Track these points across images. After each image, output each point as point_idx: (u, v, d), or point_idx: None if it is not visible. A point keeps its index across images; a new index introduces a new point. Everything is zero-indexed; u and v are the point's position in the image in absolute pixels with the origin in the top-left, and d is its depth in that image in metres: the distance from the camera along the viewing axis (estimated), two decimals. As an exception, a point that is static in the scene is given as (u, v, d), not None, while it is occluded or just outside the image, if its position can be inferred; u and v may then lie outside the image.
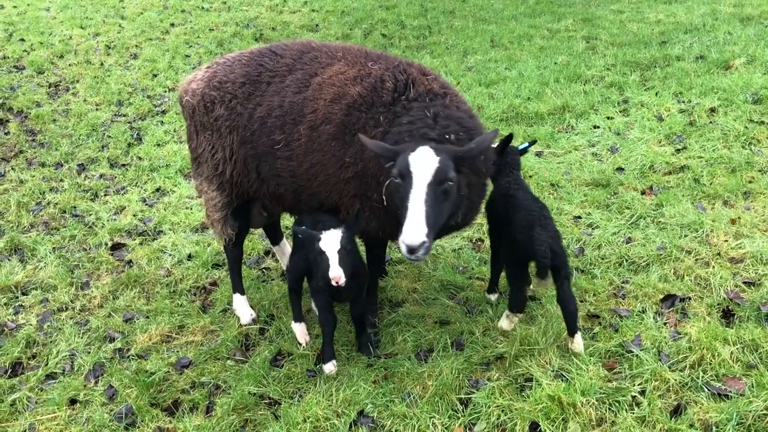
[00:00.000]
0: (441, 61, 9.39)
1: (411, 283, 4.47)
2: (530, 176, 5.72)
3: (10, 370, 4.11)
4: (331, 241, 3.40)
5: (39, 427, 3.63)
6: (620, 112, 6.93)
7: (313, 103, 3.72)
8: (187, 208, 5.91)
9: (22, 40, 10.85)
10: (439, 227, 3.23)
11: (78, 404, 3.77)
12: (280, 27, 11.28)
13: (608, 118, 6.80)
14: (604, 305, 4.00)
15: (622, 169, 5.66)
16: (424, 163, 3.10)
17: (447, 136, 3.30)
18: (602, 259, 4.47)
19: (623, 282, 4.19)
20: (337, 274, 3.32)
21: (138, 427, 3.55)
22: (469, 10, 11.98)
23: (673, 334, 3.63)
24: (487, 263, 4.60)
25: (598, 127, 6.62)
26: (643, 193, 5.24)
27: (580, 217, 5.02)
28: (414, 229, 3.04)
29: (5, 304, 4.76)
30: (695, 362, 3.39)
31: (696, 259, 4.30)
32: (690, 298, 3.93)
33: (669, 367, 3.38)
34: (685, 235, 4.56)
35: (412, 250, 3.05)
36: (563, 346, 3.63)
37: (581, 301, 4.04)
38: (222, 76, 4.09)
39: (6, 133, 7.64)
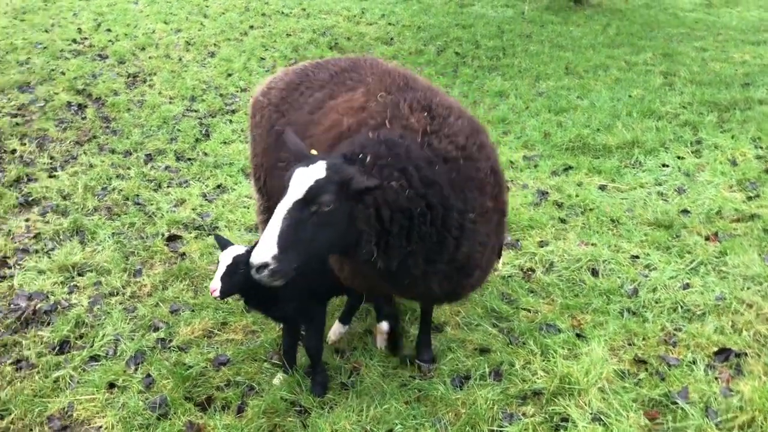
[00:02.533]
0: (512, 84, 9.29)
1: (455, 306, 4.40)
2: (591, 209, 5.57)
3: (57, 348, 4.23)
4: (228, 255, 3.27)
5: (77, 406, 3.72)
6: (692, 152, 6.70)
7: (314, 127, 3.54)
8: (244, 206, 5.99)
9: (109, 30, 11.29)
10: (305, 256, 2.81)
11: (116, 389, 3.85)
12: (355, 37, 11.39)
13: (679, 157, 6.58)
14: (652, 351, 3.85)
15: (688, 212, 5.45)
16: (302, 177, 2.77)
17: (362, 159, 2.87)
18: (656, 302, 4.30)
19: (676, 329, 4.02)
20: (213, 286, 3.21)
21: (170, 419, 3.59)
22: (547, 35, 11.84)
23: (724, 391, 3.45)
24: (535, 294, 4.50)
25: (667, 166, 6.41)
26: (707, 238, 5.03)
27: (637, 257, 4.85)
28: (260, 246, 2.74)
29: (61, 282, 4.91)
30: (745, 423, 3.22)
31: (757, 314, 4.09)
32: (746, 354, 3.73)
33: (716, 425, 3.22)
34: (748, 288, 4.34)
35: (256, 269, 2.76)
36: (605, 388, 3.50)
37: (629, 344, 3.90)
38: (274, 82, 4.16)
39: (83, 118, 7.94)
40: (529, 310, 4.32)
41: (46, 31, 11.10)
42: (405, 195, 2.84)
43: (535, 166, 6.63)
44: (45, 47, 10.20)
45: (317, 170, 2.76)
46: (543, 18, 13.02)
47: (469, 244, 3.09)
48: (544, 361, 3.80)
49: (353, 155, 2.86)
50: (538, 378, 3.65)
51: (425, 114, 3.15)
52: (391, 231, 2.88)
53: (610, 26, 12.36)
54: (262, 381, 3.85)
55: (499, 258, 4.68)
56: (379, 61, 3.84)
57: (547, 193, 5.96)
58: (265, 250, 2.71)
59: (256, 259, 2.73)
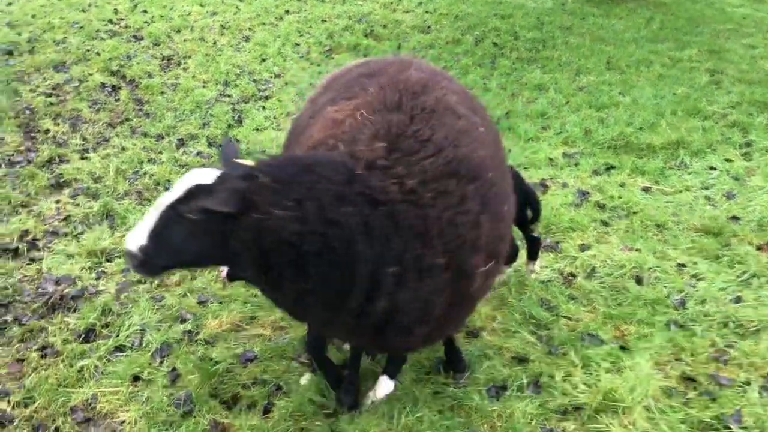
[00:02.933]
0: (552, 78, 9.02)
1: (491, 311, 4.23)
2: (634, 212, 5.34)
3: (83, 336, 4.15)
4: None
5: (101, 398, 3.64)
6: (742, 155, 6.41)
7: (303, 134, 3.25)
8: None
9: (145, 11, 11.22)
10: (174, 258, 2.68)
11: (140, 382, 3.76)
12: (391, 25, 11.18)
13: (727, 160, 6.30)
14: (702, 368, 3.64)
15: (738, 219, 5.19)
16: (190, 178, 2.62)
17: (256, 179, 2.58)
18: (705, 316, 4.08)
19: (727, 346, 3.81)
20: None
21: (194, 417, 3.49)
22: (588, 28, 11.50)
23: (779, 416, 3.24)
24: (576, 301, 4.30)
25: (715, 169, 6.13)
26: (759, 248, 4.77)
27: (684, 266, 4.62)
28: (131, 234, 2.62)
29: (89, 268, 4.85)
30: (803, 453, 3.01)
31: (815, 333, 3.86)
32: (804, 377, 3.52)
33: (771, 454, 3.02)
34: (805, 304, 4.11)
35: (126, 256, 2.66)
36: (651, 407, 3.31)
37: (676, 360, 3.69)
38: (323, 79, 3.89)
39: (116, 100, 7.88)
40: (569, 318, 4.13)
41: (83, 11, 11.06)
42: (292, 228, 2.50)
43: (576, 165, 6.40)
44: (81, 27, 10.16)
45: (206, 176, 2.59)
46: (584, 10, 12.66)
47: (391, 300, 2.65)
48: (585, 373, 3.62)
49: (253, 172, 2.59)
50: (579, 392, 3.47)
51: (385, 145, 2.73)
52: (273, 261, 2.57)
53: (653, 20, 11.96)
54: (290, 380, 3.73)
55: (535, 260, 4.51)
56: (415, 67, 3.21)
57: (588, 193, 5.73)
58: (135, 239, 2.60)
59: (126, 243, 2.61)
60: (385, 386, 3.52)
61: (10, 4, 11.25)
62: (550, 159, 6.51)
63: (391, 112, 2.85)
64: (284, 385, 3.71)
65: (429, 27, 11.22)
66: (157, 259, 2.64)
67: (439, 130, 2.79)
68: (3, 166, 6.25)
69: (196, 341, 4.09)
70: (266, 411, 3.54)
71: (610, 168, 6.29)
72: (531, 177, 6.00)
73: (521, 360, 3.78)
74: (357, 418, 3.41)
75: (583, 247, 4.90)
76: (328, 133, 2.93)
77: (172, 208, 2.57)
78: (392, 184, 2.63)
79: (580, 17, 12.13)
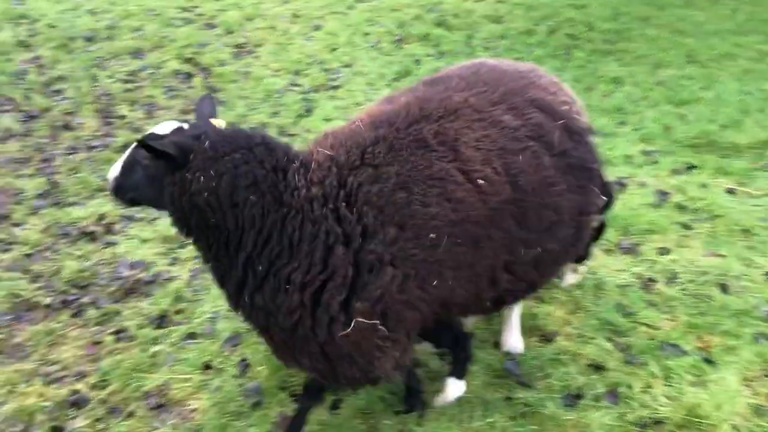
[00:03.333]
0: (628, 71, 8.70)
1: (566, 315, 4.09)
2: (718, 216, 5.08)
3: (157, 321, 4.22)
4: None
5: (173, 385, 3.69)
6: (837, 157, 6.03)
7: None
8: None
9: (218, -1, 11.37)
10: (134, 193, 2.87)
11: (211, 370, 3.79)
12: (463, 14, 11.00)
13: (821, 162, 5.94)
14: (795, 388, 3.42)
15: (833, 226, 4.88)
16: (158, 126, 2.85)
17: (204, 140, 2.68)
18: (797, 330, 3.84)
19: (822, 363, 3.57)
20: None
21: (264, 408, 3.50)
22: (667, 19, 11.04)
23: None
24: (656, 308, 4.12)
25: (807, 172, 5.79)
26: None
27: (774, 275, 4.37)
28: (115, 163, 2.92)
29: (163, 253, 4.92)
30: None
31: None
32: None
33: None
34: None
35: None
36: (739, 426, 3.13)
37: (766, 376, 3.48)
38: None
39: (190, 87, 8.01)
40: (649, 326, 3.95)
41: (159, -2, 11.29)
42: (205, 198, 2.60)
43: (655, 163, 6.14)
44: (157, 14, 10.37)
45: (167, 127, 2.80)
46: (663, 0, 12.17)
47: (250, 300, 2.68)
48: (666, 386, 3.46)
49: (201, 134, 2.71)
50: (659, 405, 3.31)
51: (355, 152, 2.69)
52: (190, 222, 2.71)
53: (738, 11, 11.39)
54: (359, 377, 3.69)
55: (584, 261, 4.23)
56: (464, 88, 2.98)
57: (668, 193, 5.49)
58: (113, 170, 2.90)
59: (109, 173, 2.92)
60: (454, 388, 3.44)
61: (90, -9, 11.58)
62: (628, 156, 6.27)
63: (387, 127, 2.78)
64: (353, 381, 3.67)
65: (501, 17, 10.98)
66: (123, 191, 2.91)
67: (396, 164, 2.65)
68: (82, 150, 6.43)
69: (266, 332, 4.09)
70: (335, 407, 3.51)
71: (691, 167, 6.01)
72: (608, 175, 5.79)
73: (597, 368, 3.64)
74: (426, 420, 3.35)
75: (663, 251, 4.69)
76: (336, 131, 2.96)
77: (137, 151, 2.81)
78: (316, 188, 2.63)
79: (659, 8, 11.66)
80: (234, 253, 2.66)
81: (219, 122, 2.89)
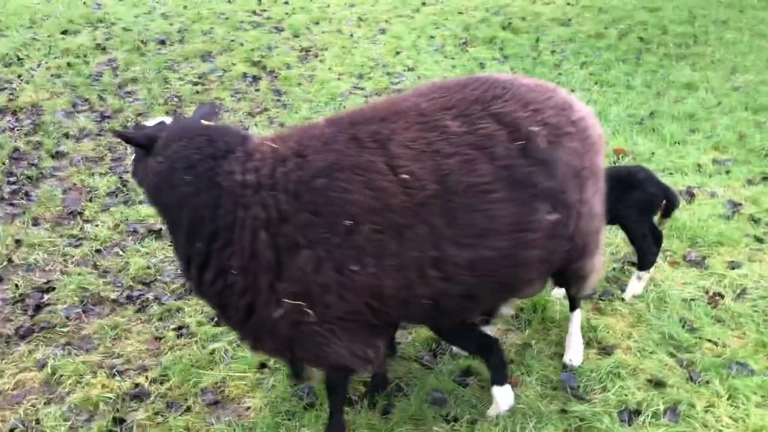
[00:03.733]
0: (703, 76, 8.40)
1: (627, 327, 3.97)
2: (794, 229, 4.84)
3: (216, 320, 4.32)
4: None
5: (229, 382, 3.76)
6: None
7: None
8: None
9: (287, 2, 11.58)
10: (136, 177, 3.32)
11: (266, 369, 3.85)
12: (530, 17, 10.85)
13: None
14: None
15: None
16: (147, 122, 3.37)
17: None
18: None
19: None
20: None
21: (316, 409, 3.53)
22: (746, 22, 10.61)
23: None
24: (723, 324, 3.95)
25: None
26: None
27: None
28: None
29: (224, 252, 5.03)
30: None
31: None
32: None
33: None
34: None
35: None
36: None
37: (841, 401, 3.29)
38: None
39: (256, 90, 8.18)
40: (714, 343, 3.79)
41: (229, 2, 11.58)
42: (155, 179, 2.95)
43: (727, 172, 5.90)
44: (227, 18, 10.65)
45: (153, 121, 3.26)
46: (743, 2, 11.69)
47: (198, 280, 2.93)
48: (731, 406, 3.31)
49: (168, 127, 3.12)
50: (723, 426, 3.17)
51: (294, 145, 2.86)
52: (154, 203, 3.09)
53: (825, 14, 10.86)
54: (410, 382, 3.69)
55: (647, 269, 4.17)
56: (425, 96, 3.04)
57: (740, 204, 5.26)
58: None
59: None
60: (501, 396, 3.38)
61: (165, -4, 11.98)
62: (698, 165, 6.04)
63: (331, 127, 2.93)
64: (405, 386, 3.66)
65: (570, 19, 10.79)
66: (134, 175, 3.38)
67: (323, 155, 2.79)
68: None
69: (321, 333, 4.13)
70: (386, 411, 3.51)
71: (766, 178, 5.74)
72: (676, 183, 5.60)
73: (657, 384, 3.51)
74: (477, 429, 3.31)
75: (733, 265, 4.50)
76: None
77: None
78: (239, 176, 2.79)
79: (739, 10, 11.23)
80: (178, 232, 2.94)
81: (209, 123, 3.19)
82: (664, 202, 4.08)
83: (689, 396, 3.38)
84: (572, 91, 7.97)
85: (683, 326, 3.94)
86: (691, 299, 4.18)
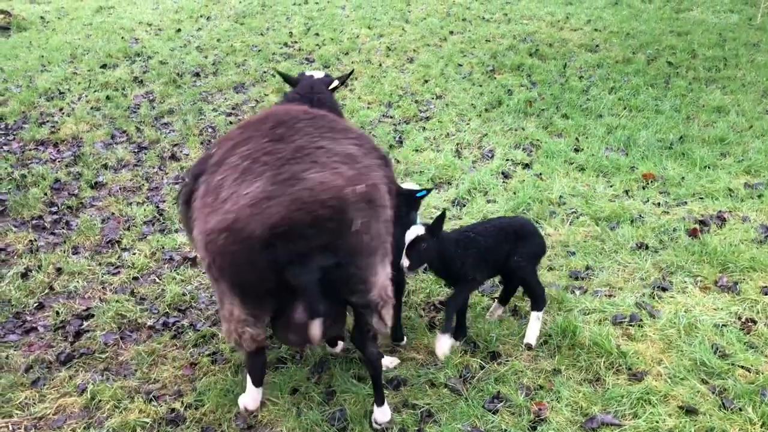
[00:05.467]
0: (733, 99, 8.36)
1: (657, 353, 3.95)
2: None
3: (249, 345, 4.40)
4: (411, 233, 3.86)
5: (262, 408, 3.82)
6: None
7: None
8: (430, 218, 5.90)
9: (317, 34, 11.83)
10: None
11: (298, 394, 3.91)
12: (557, 44, 10.92)
13: None
14: None
15: None
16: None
17: None
18: None
19: None
20: (402, 263, 3.79)
21: (347, 435, 3.57)
22: (778, 44, 10.55)
23: None
24: (756, 350, 3.92)
25: None
26: None
27: None
28: None
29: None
30: None
31: None
32: None
33: None
34: None
35: None
36: None
37: None
38: None
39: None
40: (747, 369, 3.76)
41: (262, 35, 11.88)
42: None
43: (759, 196, 5.85)
44: (259, 50, 10.92)
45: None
46: (774, 24, 11.63)
47: None
48: (765, 434, 3.28)
49: None
50: (757, 455, 3.14)
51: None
52: None
53: None
54: (441, 408, 3.71)
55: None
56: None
57: (773, 229, 5.22)
58: None
59: None
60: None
61: (199, 29, 12.33)
62: (730, 189, 6.01)
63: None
64: (435, 412, 3.69)
65: (597, 45, 10.83)
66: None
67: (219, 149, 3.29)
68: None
69: (352, 359, 4.19)
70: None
71: (800, 202, 5.69)
72: (707, 208, 5.58)
73: (689, 411, 3.49)
74: (507, 455, 3.32)
75: (766, 290, 4.46)
76: None
77: None
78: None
79: (769, 33, 11.16)
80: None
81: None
82: None
83: (722, 423, 3.36)
84: (600, 116, 8.00)
85: (715, 352, 3.91)
86: (723, 325, 4.15)
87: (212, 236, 2.91)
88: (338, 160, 2.98)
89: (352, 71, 5.89)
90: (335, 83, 4.80)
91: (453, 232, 4.23)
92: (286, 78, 4.90)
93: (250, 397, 3.73)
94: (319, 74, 4.84)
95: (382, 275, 3.20)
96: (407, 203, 4.02)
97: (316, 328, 3.01)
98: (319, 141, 3.03)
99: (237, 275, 3.00)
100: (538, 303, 4.19)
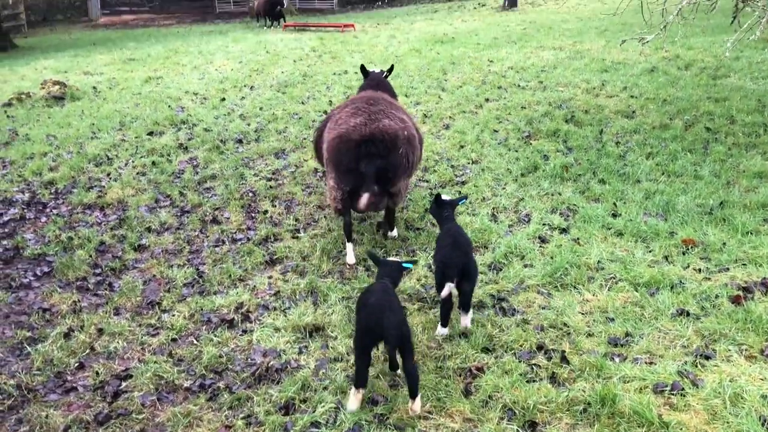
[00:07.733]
0: (775, 165, 8.26)
1: (702, 425, 3.81)
2: None
3: (283, 408, 4.40)
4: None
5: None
6: None
7: None
8: (468, 283, 5.89)
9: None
10: None
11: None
12: (593, 110, 11.01)
13: None
14: None
15: None
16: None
17: None
18: None
19: None
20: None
21: (380, 503, 3.50)
22: (820, 109, 10.45)
23: None
24: (806, 423, 3.76)
25: None
26: None
27: None
28: None
29: (293, 341, 5.16)
30: None
31: None
32: None
33: None
34: None
35: None
36: None
37: None
38: None
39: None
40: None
41: (302, 103, 12.25)
42: None
43: (805, 263, 5.71)
44: (300, 118, 11.25)
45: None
46: (815, 89, 11.55)
47: None
48: None
49: None
50: None
51: None
52: None
53: None
54: (477, 477, 3.63)
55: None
56: None
57: (821, 297, 5.07)
58: None
59: None
60: None
61: (243, 98, 12.78)
62: (773, 257, 5.88)
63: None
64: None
65: (634, 112, 10.89)
66: None
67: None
68: (227, 242, 6.98)
69: (386, 425, 4.14)
70: None
71: None
72: (750, 274, 5.46)
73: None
74: None
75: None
76: None
77: None
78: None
79: (809, 98, 11.08)
80: None
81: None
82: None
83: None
84: (638, 181, 7.97)
85: (763, 424, 3.76)
86: (770, 396, 4.00)
87: (333, 140, 6.00)
88: (398, 117, 6.10)
89: (393, 66, 8.15)
90: (386, 73, 7.77)
91: None
92: (364, 70, 7.78)
93: None
94: (377, 69, 7.86)
95: (404, 183, 6.33)
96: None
97: (365, 198, 5.96)
98: (388, 109, 6.12)
99: (339, 161, 5.98)
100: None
